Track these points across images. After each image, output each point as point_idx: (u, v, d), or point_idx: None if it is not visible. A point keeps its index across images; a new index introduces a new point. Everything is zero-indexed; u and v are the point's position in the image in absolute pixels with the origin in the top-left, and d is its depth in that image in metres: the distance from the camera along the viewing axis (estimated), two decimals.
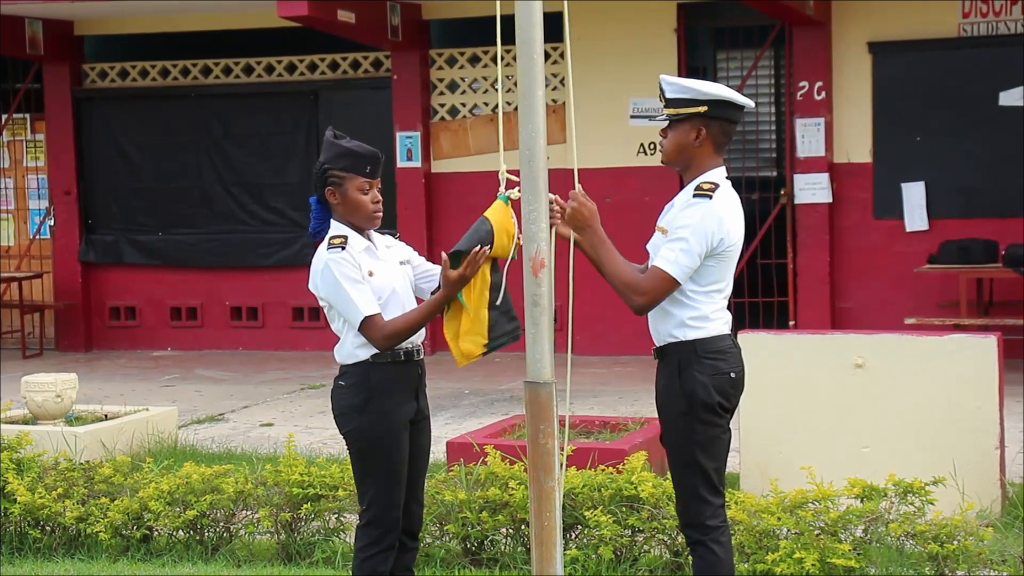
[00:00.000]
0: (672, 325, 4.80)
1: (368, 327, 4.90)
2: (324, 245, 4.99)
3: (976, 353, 6.83)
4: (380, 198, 5.05)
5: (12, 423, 8.51)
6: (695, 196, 4.77)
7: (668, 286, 4.72)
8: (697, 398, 4.74)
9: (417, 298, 5.13)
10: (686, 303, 4.78)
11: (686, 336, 4.78)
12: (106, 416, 9.01)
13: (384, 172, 5.14)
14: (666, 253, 4.71)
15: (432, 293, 5.19)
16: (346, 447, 5.09)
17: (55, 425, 8.62)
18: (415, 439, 5.06)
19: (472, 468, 6.63)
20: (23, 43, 13.70)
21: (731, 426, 4.88)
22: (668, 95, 4.83)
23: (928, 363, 6.91)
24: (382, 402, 4.94)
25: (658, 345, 4.88)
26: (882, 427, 6.93)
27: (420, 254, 5.28)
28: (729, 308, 4.92)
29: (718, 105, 4.80)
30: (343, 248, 4.93)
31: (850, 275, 12.25)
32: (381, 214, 5.07)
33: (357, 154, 5.00)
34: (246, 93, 13.90)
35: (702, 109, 4.78)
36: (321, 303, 5.04)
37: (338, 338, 5.05)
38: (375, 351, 4.94)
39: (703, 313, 4.78)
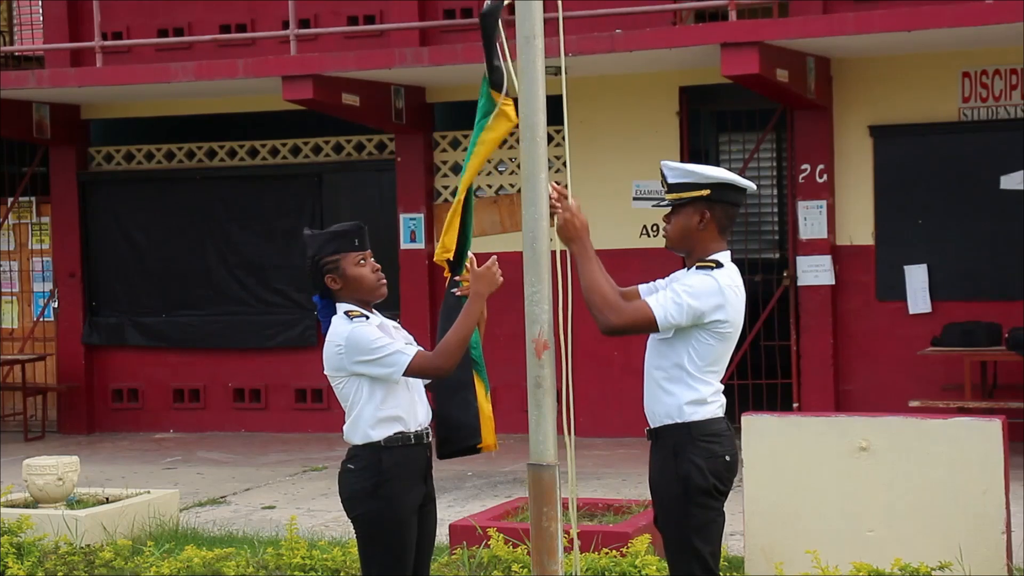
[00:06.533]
0: (671, 407, 4.80)
1: (421, 359, 4.90)
2: (341, 320, 4.94)
3: (981, 436, 6.80)
4: (379, 267, 5.07)
5: (13, 507, 8.47)
6: (698, 268, 4.80)
7: (646, 325, 4.74)
8: (693, 482, 4.73)
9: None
10: (689, 384, 4.78)
11: (683, 419, 4.77)
12: (107, 499, 8.96)
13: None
14: (660, 298, 4.75)
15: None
16: (353, 531, 5.03)
17: (56, 508, 8.57)
18: (422, 524, 5.01)
19: (475, 551, 6.59)
20: (30, 128, 13.79)
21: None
22: (670, 180, 4.87)
23: (933, 446, 6.87)
24: (392, 487, 4.89)
25: (652, 427, 4.87)
26: (887, 510, 6.89)
27: (422, 335, 5.28)
28: (724, 392, 4.92)
29: (720, 188, 4.83)
30: (367, 318, 4.94)
31: (853, 357, 12.22)
32: (385, 282, 5.09)
33: (340, 233, 5.04)
34: (250, 176, 13.96)
35: (705, 193, 4.81)
36: (337, 379, 4.95)
37: (345, 419, 4.99)
38: (388, 433, 4.89)
39: (702, 396, 4.78)
